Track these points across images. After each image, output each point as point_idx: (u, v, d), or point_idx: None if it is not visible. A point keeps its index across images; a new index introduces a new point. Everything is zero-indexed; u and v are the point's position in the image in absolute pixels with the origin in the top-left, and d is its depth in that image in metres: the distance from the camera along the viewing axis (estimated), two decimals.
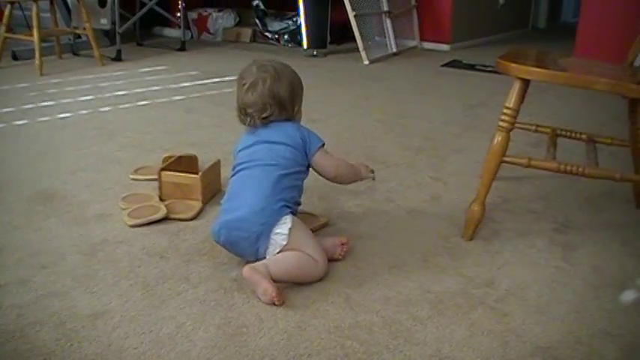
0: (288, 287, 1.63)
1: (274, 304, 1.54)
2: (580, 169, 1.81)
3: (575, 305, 1.62)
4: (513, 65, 1.75)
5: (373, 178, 1.96)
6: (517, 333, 1.49)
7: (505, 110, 1.81)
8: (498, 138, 1.82)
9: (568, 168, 1.81)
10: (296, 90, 1.82)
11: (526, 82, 1.79)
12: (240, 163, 1.77)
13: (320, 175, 1.85)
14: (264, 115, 1.76)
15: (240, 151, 1.81)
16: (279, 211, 1.67)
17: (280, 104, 1.77)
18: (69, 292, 1.60)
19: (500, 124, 1.82)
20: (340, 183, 1.94)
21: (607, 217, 2.18)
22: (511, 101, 1.80)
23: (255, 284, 1.57)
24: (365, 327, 1.49)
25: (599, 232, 2.04)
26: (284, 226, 1.66)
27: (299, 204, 1.80)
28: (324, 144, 1.83)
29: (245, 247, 1.68)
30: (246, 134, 1.83)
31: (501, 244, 1.93)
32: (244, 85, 1.78)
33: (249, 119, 1.78)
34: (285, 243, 1.65)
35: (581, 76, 1.73)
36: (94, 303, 1.56)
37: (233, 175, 1.78)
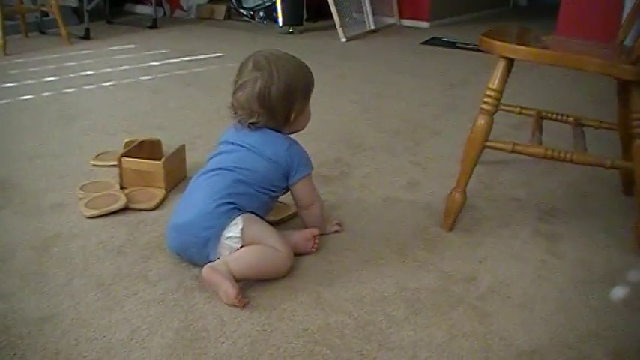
0: (253, 285, 1.51)
1: (236, 305, 1.42)
2: (568, 156, 1.69)
3: (562, 303, 1.52)
4: (498, 44, 1.62)
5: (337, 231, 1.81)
6: (500, 335, 1.38)
7: (488, 91, 1.69)
8: (481, 121, 1.71)
9: (555, 154, 1.70)
10: (294, 94, 1.61)
11: (510, 62, 1.67)
12: (209, 165, 1.65)
13: (292, 199, 1.73)
14: (250, 121, 1.61)
15: (216, 155, 1.68)
16: (227, 214, 1.53)
17: (270, 111, 1.60)
18: (16, 293, 1.47)
19: (483, 106, 1.70)
20: (304, 217, 1.74)
21: (592, 204, 2.08)
22: (495, 82, 1.68)
23: (215, 285, 1.44)
24: (336, 329, 1.37)
25: (585, 221, 1.94)
26: (235, 228, 1.52)
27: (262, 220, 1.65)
28: (310, 172, 1.69)
29: (195, 252, 1.55)
30: (233, 127, 1.69)
31: (483, 235, 1.82)
32: (236, 82, 1.63)
33: (238, 118, 1.64)
34: (239, 246, 1.52)
35: (572, 56, 1.60)
36: (44, 305, 1.43)
37: (198, 175, 1.65)
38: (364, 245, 1.73)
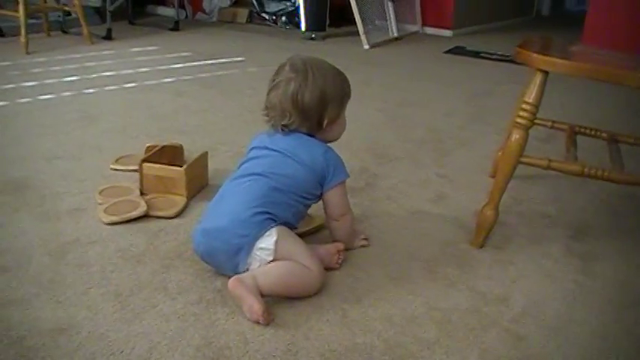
0: (278, 302, 1.45)
1: (260, 322, 1.36)
2: (606, 174, 1.63)
3: (598, 328, 1.45)
4: (536, 56, 1.56)
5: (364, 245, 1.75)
6: None
7: (524, 105, 1.62)
8: (516, 136, 1.64)
9: (592, 172, 1.63)
10: (329, 99, 1.56)
11: (547, 75, 1.61)
12: (241, 171, 1.59)
13: (324, 208, 1.66)
14: (283, 123, 1.56)
15: (249, 159, 1.62)
16: (262, 224, 1.46)
17: (303, 113, 1.55)
18: (32, 301, 1.42)
19: (518, 120, 1.63)
20: (334, 229, 1.68)
21: (626, 222, 2.01)
22: (531, 96, 1.61)
23: (240, 299, 1.38)
24: (364, 351, 1.31)
25: (619, 241, 1.87)
26: (269, 239, 1.45)
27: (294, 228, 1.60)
28: (345, 179, 1.64)
29: (224, 260, 1.49)
30: (265, 132, 1.64)
31: (514, 253, 1.75)
32: (272, 81, 1.58)
33: (271, 121, 1.59)
34: (270, 259, 1.46)
35: (613, 70, 1.54)
36: (60, 315, 1.38)
37: (230, 179, 1.59)
38: (392, 261, 1.67)
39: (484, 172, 2.27)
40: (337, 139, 1.68)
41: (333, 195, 1.61)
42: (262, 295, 1.39)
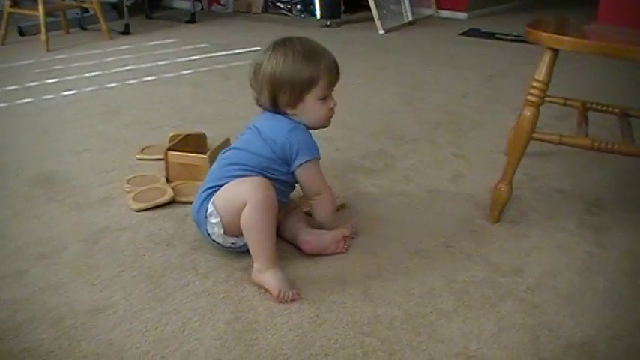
0: (303, 278, 1.53)
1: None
2: (615, 147, 1.68)
3: (611, 295, 1.51)
4: (545, 34, 1.60)
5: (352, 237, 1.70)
6: (549, 327, 1.38)
7: (534, 83, 1.67)
8: (527, 113, 1.69)
9: (602, 145, 1.68)
10: (277, 82, 1.58)
11: (556, 53, 1.65)
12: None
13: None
14: (256, 98, 1.66)
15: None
16: (206, 200, 1.57)
17: (261, 91, 1.63)
18: (69, 285, 1.50)
19: (530, 98, 1.68)
20: (312, 210, 1.70)
21: (638, 195, 2.05)
22: (541, 73, 1.66)
23: (261, 284, 1.48)
24: (385, 321, 1.37)
25: (632, 213, 1.92)
26: (213, 214, 1.54)
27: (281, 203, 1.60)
28: (314, 159, 1.62)
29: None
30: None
31: (529, 227, 1.81)
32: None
33: (254, 96, 1.68)
34: (222, 231, 1.55)
35: (620, 46, 1.58)
36: (95, 297, 1.45)
37: None
38: (411, 237, 1.73)
39: (499, 151, 2.32)
40: (315, 126, 1.67)
41: (300, 174, 1.62)
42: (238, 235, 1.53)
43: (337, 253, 1.64)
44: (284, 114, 1.62)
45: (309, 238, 1.64)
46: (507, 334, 1.35)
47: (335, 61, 1.61)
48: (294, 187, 1.69)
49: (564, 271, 1.59)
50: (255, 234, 1.49)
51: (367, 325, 1.36)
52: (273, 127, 1.62)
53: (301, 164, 1.60)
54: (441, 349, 1.30)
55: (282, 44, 1.60)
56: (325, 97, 1.60)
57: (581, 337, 1.35)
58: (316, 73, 1.57)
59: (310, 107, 1.60)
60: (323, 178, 1.67)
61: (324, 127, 1.67)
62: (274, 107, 1.61)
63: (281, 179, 1.61)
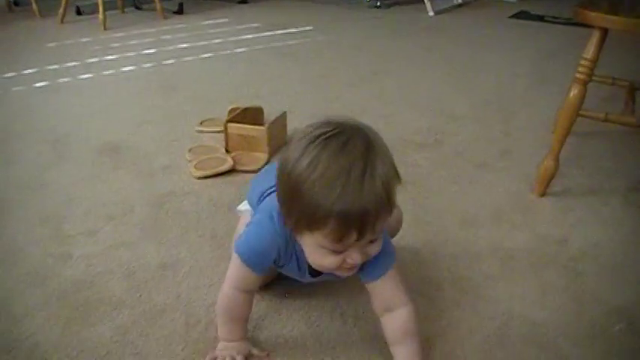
0: None
1: None
2: None
3: None
4: (593, 14, 1.66)
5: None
6: (591, 293, 1.44)
7: (582, 61, 1.73)
8: (574, 91, 1.75)
9: None
10: (280, 190, 1.05)
11: (605, 32, 1.70)
12: None
13: None
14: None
15: None
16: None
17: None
18: (138, 243, 1.61)
19: (577, 75, 1.74)
20: None
21: None
22: (589, 52, 1.71)
23: None
24: (434, 283, 1.46)
25: None
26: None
27: None
28: (241, 262, 1.17)
29: None
30: None
31: (574, 202, 1.87)
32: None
33: None
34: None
35: None
36: (163, 254, 1.56)
37: None
38: (460, 209, 1.81)
39: (547, 130, 2.36)
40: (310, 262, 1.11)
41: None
42: None
43: None
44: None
45: None
46: (550, 298, 1.42)
47: (367, 209, 0.95)
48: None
49: (607, 244, 1.65)
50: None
51: (417, 285, 1.44)
52: (255, 185, 1.33)
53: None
54: (487, 308, 1.38)
55: (329, 136, 0.99)
56: (335, 251, 1.03)
57: (622, 304, 1.41)
58: (324, 211, 0.95)
59: (308, 247, 1.07)
60: (233, 278, 1.21)
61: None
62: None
63: None
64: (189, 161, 2.05)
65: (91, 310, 1.35)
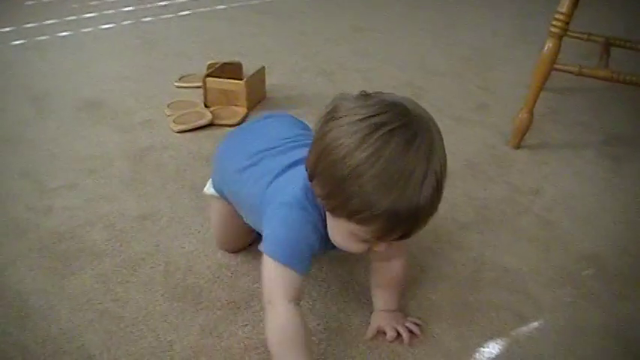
0: None
1: None
2: (635, 79, 1.75)
3: (623, 217, 1.61)
4: None
5: None
6: (562, 240, 1.49)
7: (557, 15, 1.74)
8: (549, 44, 1.77)
9: (621, 77, 1.76)
10: (321, 163, 0.93)
11: None
12: None
13: None
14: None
15: None
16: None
17: (315, 155, 0.95)
18: (118, 196, 1.63)
19: (552, 29, 1.76)
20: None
21: None
22: (564, 5, 1.73)
23: None
24: None
25: None
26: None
27: None
28: (275, 260, 1.00)
29: None
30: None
31: (548, 154, 1.90)
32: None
33: None
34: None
35: None
36: (143, 205, 1.58)
37: None
38: None
39: (526, 86, 2.37)
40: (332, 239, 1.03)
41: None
42: None
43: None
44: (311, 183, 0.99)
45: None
46: (521, 244, 1.46)
47: (417, 208, 0.89)
48: None
49: (579, 194, 1.69)
50: None
51: None
52: (280, 185, 1.08)
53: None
54: (460, 255, 1.41)
55: (393, 128, 0.88)
56: (367, 240, 0.97)
57: (592, 251, 1.45)
58: (376, 210, 0.89)
59: (337, 228, 1.00)
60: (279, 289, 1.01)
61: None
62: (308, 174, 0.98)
63: None
64: (169, 116, 2.06)
65: (72, 260, 1.37)
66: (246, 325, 1.20)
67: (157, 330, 1.18)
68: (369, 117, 0.89)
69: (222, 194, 1.28)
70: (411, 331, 1.17)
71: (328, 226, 1.01)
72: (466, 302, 1.27)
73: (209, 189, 1.34)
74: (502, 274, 1.36)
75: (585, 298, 1.30)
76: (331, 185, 0.92)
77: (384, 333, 1.17)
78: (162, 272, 1.33)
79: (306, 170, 0.98)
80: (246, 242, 1.39)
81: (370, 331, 1.18)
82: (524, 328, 1.22)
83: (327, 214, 0.99)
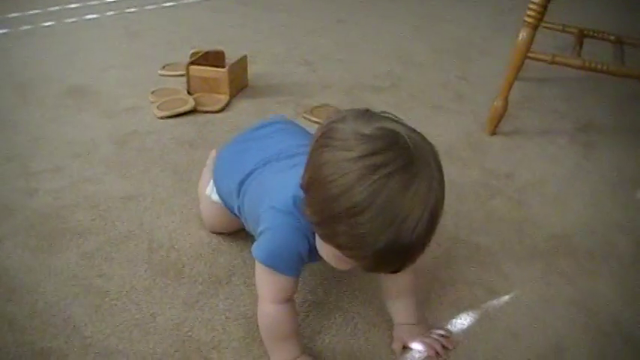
0: None
1: None
2: (605, 67, 1.81)
3: (593, 199, 1.67)
4: None
5: None
6: (533, 221, 1.54)
7: (531, 5, 1.80)
8: (523, 34, 1.82)
9: (593, 65, 1.82)
10: (314, 182, 0.90)
11: None
12: None
13: None
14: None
15: None
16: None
17: (308, 172, 0.92)
18: (102, 178, 1.66)
19: (526, 19, 1.81)
20: None
21: (631, 119, 2.19)
22: None
23: None
24: None
25: (622, 134, 2.06)
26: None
27: None
28: (264, 265, 1.03)
29: None
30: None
31: (523, 140, 1.96)
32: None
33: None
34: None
35: None
36: (127, 187, 1.62)
37: None
38: None
39: (502, 76, 2.44)
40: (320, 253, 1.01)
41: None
42: None
43: None
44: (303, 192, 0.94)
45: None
46: (494, 225, 1.51)
47: (409, 249, 0.87)
48: None
49: (552, 178, 1.75)
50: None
51: None
52: (272, 187, 1.11)
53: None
54: (435, 235, 1.45)
55: (392, 171, 0.83)
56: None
57: (562, 231, 1.51)
58: (367, 247, 0.86)
59: (325, 248, 0.96)
60: (268, 292, 1.07)
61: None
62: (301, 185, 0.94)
63: None
64: (152, 102, 2.10)
65: (58, 239, 1.40)
66: (227, 298, 1.24)
67: (140, 303, 1.22)
68: (367, 156, 0.84)
69: (226, 205, 1.31)
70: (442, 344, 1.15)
71: (317, 241, 0.99)
72: (438, 278, 1.32)
73: (213, 194, 1.36)
74: (474, 252, 1.41)
75: (554, 274, 1.36)
76: (322, 217, 0.89)
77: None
78: (146, 249, 1.37)
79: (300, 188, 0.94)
80: (239, 227, 1.38)
81: (396, 347, 1.15)
82: (495, 302, 1.27)
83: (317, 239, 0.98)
